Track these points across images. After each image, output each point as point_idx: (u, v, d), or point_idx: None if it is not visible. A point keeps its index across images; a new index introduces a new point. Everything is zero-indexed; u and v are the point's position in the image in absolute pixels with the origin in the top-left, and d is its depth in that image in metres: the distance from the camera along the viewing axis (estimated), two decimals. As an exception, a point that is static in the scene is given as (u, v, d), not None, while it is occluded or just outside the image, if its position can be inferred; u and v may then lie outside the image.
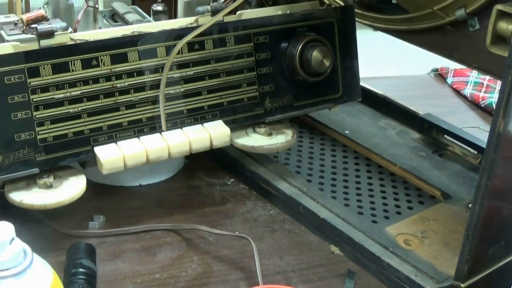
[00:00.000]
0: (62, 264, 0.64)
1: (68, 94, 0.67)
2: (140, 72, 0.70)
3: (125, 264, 0.69)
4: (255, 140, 0.78)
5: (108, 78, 0.69)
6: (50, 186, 0.67)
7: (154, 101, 0.71)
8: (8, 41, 0.68)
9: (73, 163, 0.69)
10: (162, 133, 0.72)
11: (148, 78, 0.71)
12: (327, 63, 0.78)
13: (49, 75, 0.66)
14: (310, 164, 0.86)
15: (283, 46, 0.77)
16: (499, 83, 1.09)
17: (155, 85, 0.71)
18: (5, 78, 0.64)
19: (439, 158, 0.89)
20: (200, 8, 0.73)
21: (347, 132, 0.94)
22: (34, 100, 0.65)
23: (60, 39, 0.66)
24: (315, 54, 0.76)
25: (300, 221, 0.77)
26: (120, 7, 0.84)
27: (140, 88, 0.71)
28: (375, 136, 0.93)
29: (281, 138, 0.79)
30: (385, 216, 0.76)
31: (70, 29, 0.71)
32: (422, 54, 0.87)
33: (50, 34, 0.65)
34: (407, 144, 0.92)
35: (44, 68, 0.65)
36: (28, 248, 0.51)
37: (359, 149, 0.90)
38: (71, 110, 0.67)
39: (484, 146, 0.65)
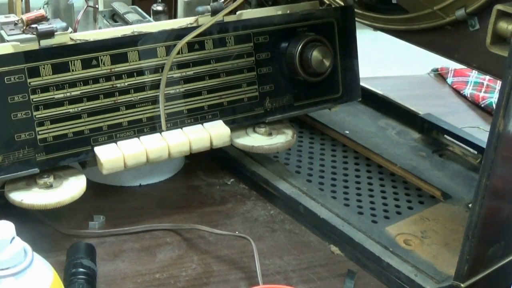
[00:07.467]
0: (62, 264, 0.65)
1: (68, 94, 0.67)
2: (140, 72, 0.70)
3: (125, 264, 0.69)
4: (255, 140, 0.78)
5: (108, 78, 0.69)
6: (50, 186, 0.67)
7: (154, 101, 0.71)
8: (8, 41, 0.68)
9: (73, 163, 0.69)
10: (162, 133, 0.72)
11: (148, 78, 0.71)
12: (327, 63, 0.78)
13: (49, 75, 0.66)
14: (310, 164, 0.86)
15: (283, 46, 0.77)
16: (499, 83, 1.09)
17: (155, 85, 0.71)
18: (5, 78, 0.64)
19: (439, 158, 0.89)
20: (200, 8, 0.73)
21: (347, 132, 0.94)
22: (34, 100, 0.65)
23: (60, 39, 0.66)
24: (315, 54, 0.76)
25: (300, 221, 0.77)
26: (120, 7, 0.84)
27: (140, 88, 0.71)
28: (375, 136, 0.93)
29: (281, 138, 0.79)
30: (385, 216, 0.76)
31: (70, 29, 0.71)
32: (422, 54, 0.87)
33: (50, 34, 0.65)
34: (407, 144, 0.92)
35: (44, 68, 0.65)
36: (28, 248, 0.51)
37: (359, 149, 0.90)
38: (71, 110, 0.67)
39: (484, 146, 0.65)
